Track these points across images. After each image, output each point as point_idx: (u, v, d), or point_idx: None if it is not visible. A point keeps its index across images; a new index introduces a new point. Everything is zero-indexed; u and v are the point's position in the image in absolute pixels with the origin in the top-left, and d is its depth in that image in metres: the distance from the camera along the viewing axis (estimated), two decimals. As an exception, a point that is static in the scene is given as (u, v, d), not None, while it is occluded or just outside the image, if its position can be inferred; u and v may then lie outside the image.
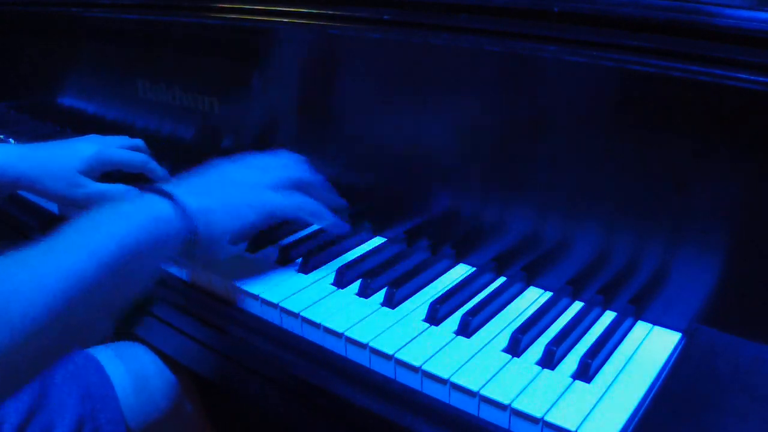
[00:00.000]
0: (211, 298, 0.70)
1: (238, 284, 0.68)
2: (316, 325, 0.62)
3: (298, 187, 0.70)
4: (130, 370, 0.76)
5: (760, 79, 0.51)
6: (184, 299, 0.71)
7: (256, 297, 0.66)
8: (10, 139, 1.16)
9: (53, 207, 0.94)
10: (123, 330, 0.80)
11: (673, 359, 0.57)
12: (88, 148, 0.86)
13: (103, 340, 0.80)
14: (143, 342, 0.80)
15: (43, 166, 0.83)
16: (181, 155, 1.01)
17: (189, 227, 0.59)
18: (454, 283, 0.68)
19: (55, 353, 0.51)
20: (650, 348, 0.59)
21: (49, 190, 0.83)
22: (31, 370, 0.49)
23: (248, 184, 0.65)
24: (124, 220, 0.55)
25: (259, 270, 0.71)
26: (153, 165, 0.91)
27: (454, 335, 0.60)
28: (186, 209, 0.59)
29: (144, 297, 0.62)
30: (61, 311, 0.48)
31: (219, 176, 0.66)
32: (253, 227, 0.64)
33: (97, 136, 0.91)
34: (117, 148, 0.89)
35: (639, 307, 0.62)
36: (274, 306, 0.65)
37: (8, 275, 0.47)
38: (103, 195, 0.84)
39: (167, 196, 0.59)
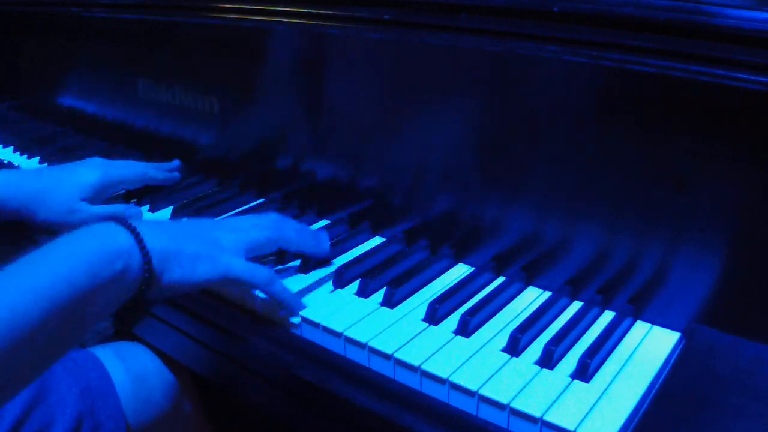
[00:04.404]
0: (209, 297, 0.70)
1: (237, 283, 0.68)
2: (315, 325, 0.62)
3: (270, 242, 0.68)
4: (129, 368, 0.76)
5: (760, 79, 0.51)
6: (180, 297, 0.71)
7: (254, 297, 0.66)
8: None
9: None
10: (122, 329, 0.80)
11: (672, 359, 0.57)
12: (89, 174, 0.84)
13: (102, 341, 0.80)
14: (142, 341, 0.80)
15: (43, 198, 0.81)
16: (182, 155, 1.01)
17: (146, 266, 0.56)
18: (453, 282, 0.68)
19: None
20: (649, 348, 0.59)
21: (49, 219, 0.81)
22: None
23: (214, 242, 0.63)
24: (77, 257, 0.52)
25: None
26: (152, 172, 0.90)
27: (453, 335, 0.60)
28: (146, 246, 0.56)
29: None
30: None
31: (187, 227, 0.64)
32: (207, 283, 0.61)
33: (101, 159, 0.89)
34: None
35: (638, 306, 0.62)
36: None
37: None
38: (98, 218, 0.76)
39: (131, 230, 0.56)
